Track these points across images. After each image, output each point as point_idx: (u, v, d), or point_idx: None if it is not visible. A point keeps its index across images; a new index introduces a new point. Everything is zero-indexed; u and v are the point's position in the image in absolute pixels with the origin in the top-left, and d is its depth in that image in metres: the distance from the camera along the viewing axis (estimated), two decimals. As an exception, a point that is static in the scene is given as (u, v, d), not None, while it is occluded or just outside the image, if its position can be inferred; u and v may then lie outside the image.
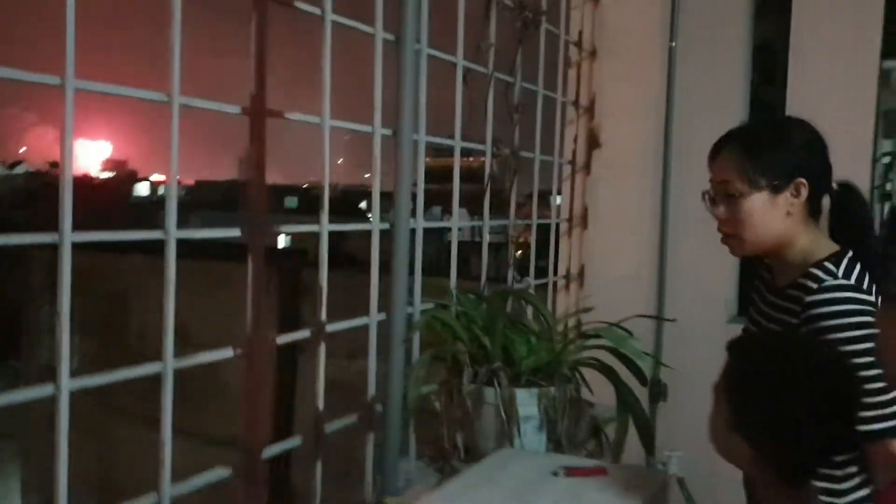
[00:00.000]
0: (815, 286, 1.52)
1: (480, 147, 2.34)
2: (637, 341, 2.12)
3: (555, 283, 3.05)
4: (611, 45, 3.11)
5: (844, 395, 1.28)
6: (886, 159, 3.57)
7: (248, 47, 1.45)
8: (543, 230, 2.96)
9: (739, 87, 3.06)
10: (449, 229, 2.34)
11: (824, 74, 2.87)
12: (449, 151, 2.26)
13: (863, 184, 2.79)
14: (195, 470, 1.40)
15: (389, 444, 1.86)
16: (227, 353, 1.43)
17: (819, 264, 1.56)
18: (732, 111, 3.01)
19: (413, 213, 1.95)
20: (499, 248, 3.12)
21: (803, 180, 1.57)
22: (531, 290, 2.71)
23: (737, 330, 1.81)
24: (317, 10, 1.63)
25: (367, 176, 2.14)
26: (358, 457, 1.90)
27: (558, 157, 2.90)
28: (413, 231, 1.98)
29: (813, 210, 1.63)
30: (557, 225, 3.12)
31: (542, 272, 2.98)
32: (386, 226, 1.86)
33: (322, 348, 1.70)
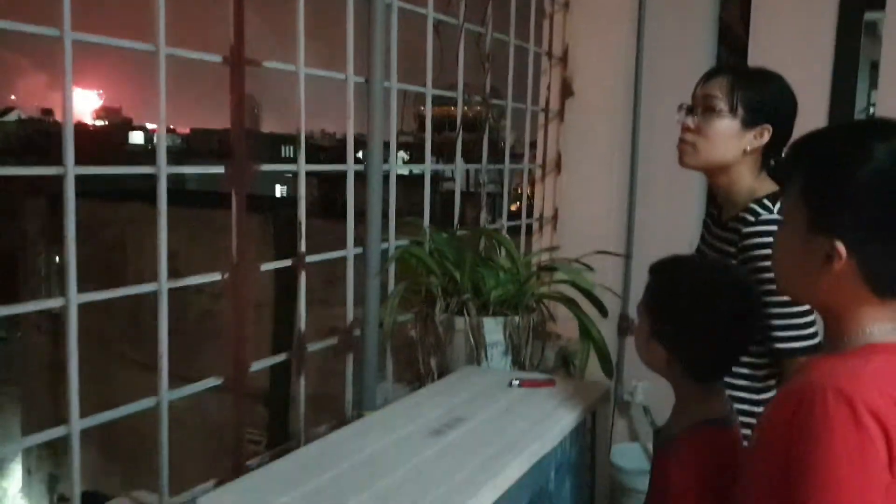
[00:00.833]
0: (752, 219, 1.70)
1: (452, 94, 2.50)
2: (592, 274, 2.30)
3: (528, 225, 3.23)
4: (583, -4, 3.23)
5: (745, 309, 1.48)
6: (872, 110, 3.71)
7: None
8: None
9: (707, 37, 3.19)
10: (451, 179, 2.51)
11: (784, 28, 3.01)
12: (451, 101, 2.43)
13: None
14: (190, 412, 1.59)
15: (367, 365, 2.06)
16: (215, 276, 1.62)
17: (759, 200, 1.73)
18: (700, 60, 3.15)
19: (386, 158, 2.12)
20: (494, 197, 3.29)
21: (769, 127, 1.73)
22: (503, 231, 2.89)
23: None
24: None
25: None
26: (339, 377, 2.10)
27: (531, 105, 3.05)
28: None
29: (765, 161, 1.78)
30: (530, 170, 3.29)
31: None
32: (360, 167, 2.03)
33: (302, 276, 1.89)
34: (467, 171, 2.98)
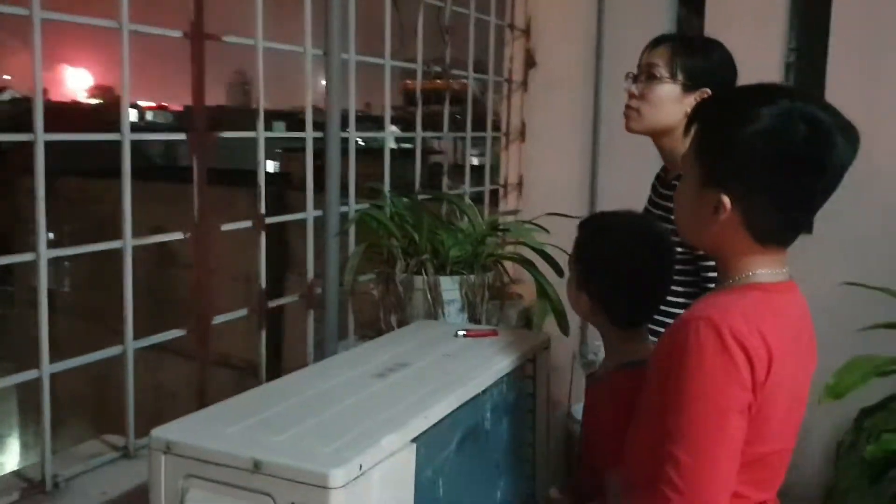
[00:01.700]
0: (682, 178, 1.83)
1: (412, 66, 2.61)
2: (548, 236, 2.43)
3: (493, 191, 3.36)
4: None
5: (659, 261, 1.62)
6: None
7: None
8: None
9: (666, 7, 3.30)
10: (437, 151, 2.64)
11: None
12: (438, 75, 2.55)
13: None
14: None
15: (327, 320, 2.20)
16: (178, 235, 1.75)
17: None
18: (661, 28, 3.25)
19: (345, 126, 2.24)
20: (480, 168, 3.42)
21: (708, 91, 1.85)
22: (466, 197, 3.02)
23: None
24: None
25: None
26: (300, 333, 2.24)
27: (494, 75, 3.16)
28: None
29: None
30: (497, 139, 3.41)
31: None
32: (319, 134, 2.16)
33: (262, 237, 2.02)
34: (454, 144, 3.12)
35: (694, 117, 1.33)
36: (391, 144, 2.65)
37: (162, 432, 1.33)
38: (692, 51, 1.90)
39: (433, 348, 1.84)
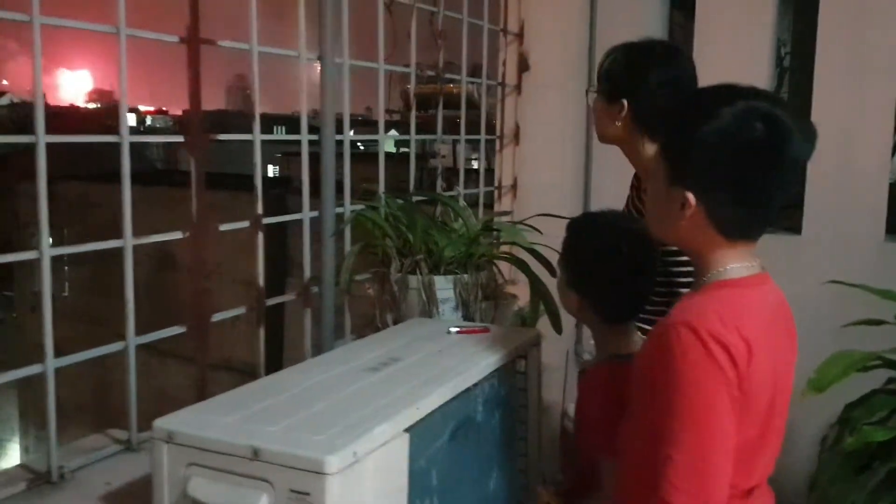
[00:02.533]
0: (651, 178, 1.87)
1: (406, 70, 2.67)
2: (531, 234, 2.48)
3: (488, 193, 3.42)
4: (537, -26, 3.40)
5: (643, 259, 1.67)
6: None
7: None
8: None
9: (658, 11, 3.36)
10: (435, 155, 2.69)
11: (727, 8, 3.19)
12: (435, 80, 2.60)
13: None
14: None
15: (324, 318, 2.25)
16: (177, 234, 1.80)
17: None
18: (652, 31, 3.32)
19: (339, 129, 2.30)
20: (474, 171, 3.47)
21: (624, 103, 1.87)
22: (461, 199, 3.07)
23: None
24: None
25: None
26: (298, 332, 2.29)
27: (487, 79, 3.22)
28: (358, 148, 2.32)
29: (654, 128, 1.86)
30: (487, 141, 3.46)
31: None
32: (314, 137, 2.21)
33: (260, 237, 2.07)
34: (454, 147, 3.17)
35: (660, 119, 1.38)
36: (390, 148, 2.71)
37: (164, 423, 1.38)
38: (615, 62, 1.93)
39: (426, 344, 1.89)
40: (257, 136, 2.02)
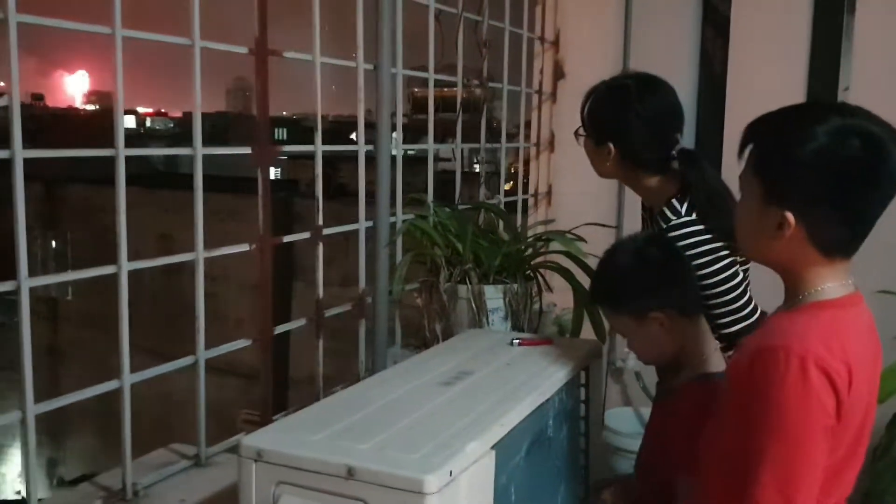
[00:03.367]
0: (664, 225, 1.85)
1: (452, 79, 2.66)
2: (585, 244, 2.48)
3: (525, 201, 3.41)
4: (574, -19, 3.39)
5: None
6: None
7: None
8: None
9: (692, 18, 3.36)
10: (445, 160, 2.68)
11: (766, 5, 3.18)
12: (443, 83, 2.58)
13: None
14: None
15: (378, 330, 2.24)
16: (244, 247, 1.79)
17: (669, 202, 1.87)
18: (685, 40, 3.33)
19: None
20: (490, 176, 3.46)
21: (610, 145, 1.87)
22: (501, 206, 3.06)
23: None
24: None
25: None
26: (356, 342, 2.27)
27: (525, 87, 3.21)
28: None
29: (645, 164, 1.89)
30: (528, 149, 3.46)
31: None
32: (370, 147, 2.20)
33: (320, 247, 2.06)
34: (453, 151, 3.14)
35: (748, 137, 1.36)
36: (396, 152, 2.66)
37: (252, 440, 1.37)
38: (595, 103, 1.92)
39: (492, 357, 1.88)
40: (318, 147, 2.01)
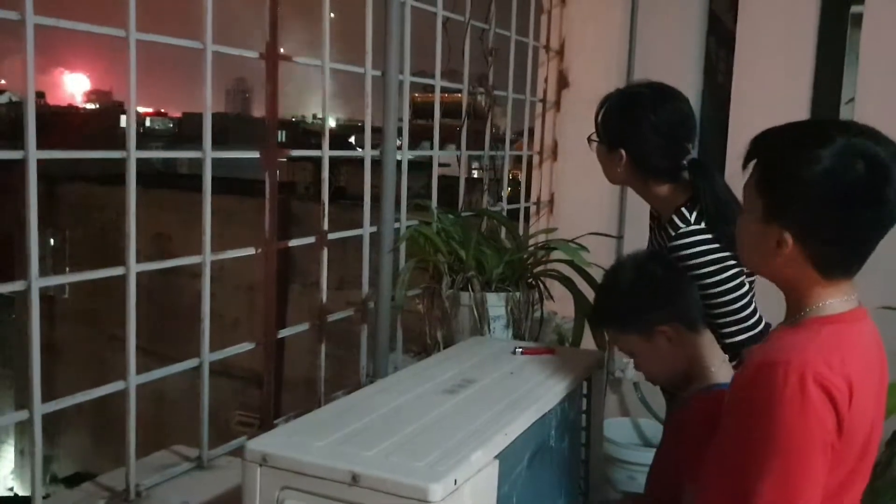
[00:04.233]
0: (673, 233, 1.86)
1: (458, 87, 2.66)
2: (587, 254, 2.48)
3: (527, 208, 3.42)
4: (579, -9, 3.41)
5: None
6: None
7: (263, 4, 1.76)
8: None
9: (697, 29, 3.37)
10: (441, 164, 2.69)
11: (771, 19, 3.20)
12: (447, 89, 2.58)
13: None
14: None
15: (380, 336, 2.24)
16: (249, 251, 1.79)
17: (678, 210, 1.88)
18: (690, 51, 3.34)
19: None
20: (492, 183, 3.46)
21: (622, 151, 1.88)
22: (503, 213, 3.07)
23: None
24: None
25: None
26: (354, 347, 2.27)
27: (530, 95, 3.22)
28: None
29: (656, 172, 1.90)
30: (530, 157, 3.47)
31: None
32: (377, 153, 2.20)
33: (324, 252, 2.06)
34: (458, 157, 3.14)
35: (752, 153, 1.35)
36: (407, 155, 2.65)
37: (257, 444, 1.37)
38: (607, 110, 1.94)
39: (495, 365, 1.88)
40: (325, 153, 2.02)
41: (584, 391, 1.98)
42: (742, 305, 1.80)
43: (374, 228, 2.28)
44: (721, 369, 1.70)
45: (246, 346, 1.82)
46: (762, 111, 3.24)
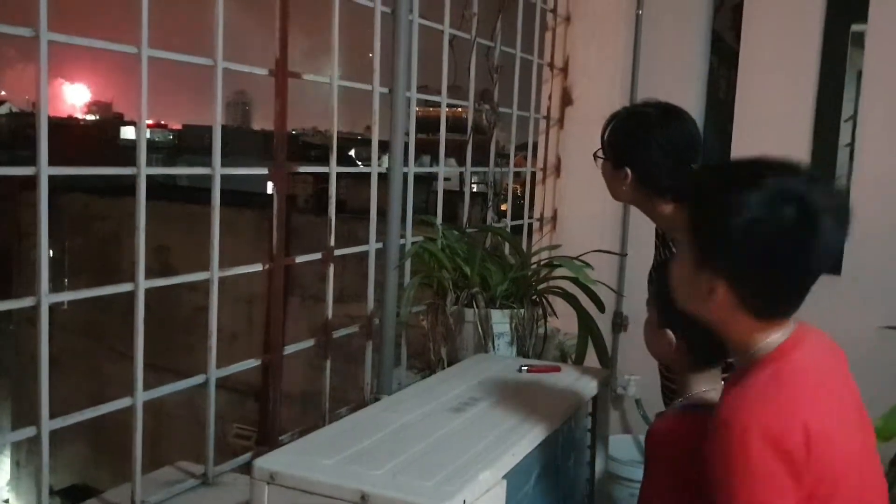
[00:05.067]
0: (676, 251, 1.86)
1: (464, 104, 2.67)
2: (592, 271, 2.48)
3: (530, 224, 3.42)
4: (584, 11, 3.43)
5: None
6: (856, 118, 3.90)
7: (272, 21, 1.77)
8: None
9: (700, 48, 3.39)
10: (447, 179, 2.69)
11: (774, 38, 3.22)
12: (433, 104, 2.59)
13: (802, 145, 3.18)
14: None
15: (384, 352, 2.23)
16: (257, 267, 1.79)
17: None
18: (693, 69, 3.36)
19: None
20: (485, 196, 3.47)
21: (628, 170, 1.89)
22: (507, 230, 3.07)
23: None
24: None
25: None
26: (352, 361, 2.27)
27: (534, 112, 3.23)
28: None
29: (661, 191, 1.90)
30: (533, 173, 3.47)
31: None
32: (383, 169, 2.21)
33: (330, 269, 2.06)
34: (462, 173, 3.14)
35: (685, 195, 1.31)
36: (383, 169, 2.64)
37: (265, 462, 1.36)
38: (615, 130, 1.94)
39: (501, 384, 1.88)
40: (333, 169, 2.02)
41: (590, 409, 1.98)
42: None
43: (379, 244, 2.28)
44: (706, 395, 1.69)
45: (252, 363, 1.82)
46: (765, 129, 3.26)
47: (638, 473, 1.83)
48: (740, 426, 1.16)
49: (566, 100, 3.46)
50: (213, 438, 1.74)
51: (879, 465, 1.34)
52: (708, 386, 1.68)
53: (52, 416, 1.42)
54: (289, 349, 1.92)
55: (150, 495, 1.62)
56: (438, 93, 2.54)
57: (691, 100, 3.30)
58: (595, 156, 1.99)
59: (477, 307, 2.41)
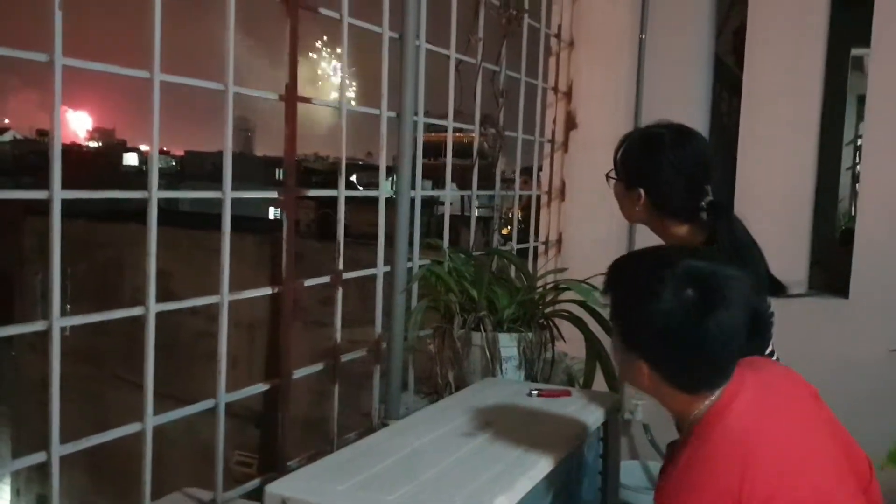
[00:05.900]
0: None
1: (470, 127, 2.69)
2: (600, 295, 2.47)
3: (535, 248, 3.42)
4: (587, 36, 3.45)
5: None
6: (859, 142, 3.93)
7: (281, 47, 1.78)
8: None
9: (703, 72, 3.41)
10: (441, 202, 2.69)
11: (776, 63, 3.23)
12: (440, 128, 2.60)
13: (806, 168, 3.19)
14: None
15: (392, 376, 2.22)
16: (267, 290, 1.78)
17: None
18: (696, 93, 3.37)
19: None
20: (488, 221, 3.48)
21: (641, 191, 1.88)
22: (513, 252, 3.07)
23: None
24: (336, 15, 1.98)
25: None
26: (367, 388, 2.26)
27: (539, 136, 3.25)
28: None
29: (674, 212, 1.89)
30: (538, 196, 3.48)
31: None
32: (391, 193, 2.21)
33: (339, 292, 2.06)
34: (468, 197, 3.14)
35: (609, 278, 1.37)
36: (388, 193, 2.63)
37: (277, 488, 1.35)
38: (626, 150, 1.94)
39: (512, 408, 1.87)
40: (342, 192, 2.02)
41: (601, 434, 1.97)
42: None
43: (387, 267, 2.27)
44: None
45: (261, 388, 1.81)
46: (770, 153, 3.27)
47: (646, 500, 1.81)
48: None
49: (570, 124, 3.48)
50: (221, 464, 1.73)
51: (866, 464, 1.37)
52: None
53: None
54: (298, 373, 1.91)
55: (158, 523, 1.61)
56: (440, 118, 2.55)
57: (695, 124, 3.27)
58: (608, 176, 1.99)
59: (484, 330, 2.40)
